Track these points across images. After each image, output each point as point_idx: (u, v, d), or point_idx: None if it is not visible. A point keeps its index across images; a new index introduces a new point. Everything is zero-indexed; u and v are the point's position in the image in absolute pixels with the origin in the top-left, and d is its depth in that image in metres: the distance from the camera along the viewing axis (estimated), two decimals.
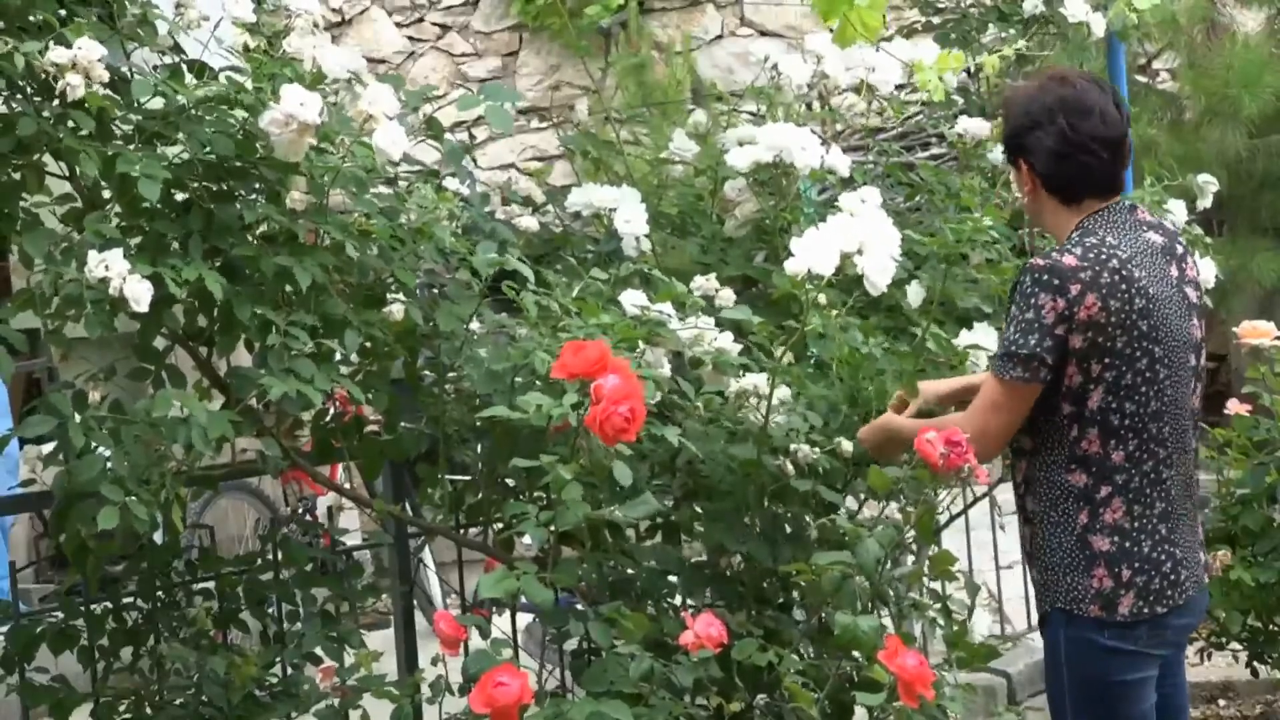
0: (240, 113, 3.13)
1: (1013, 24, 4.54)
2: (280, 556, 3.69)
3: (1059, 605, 3.18)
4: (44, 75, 2.92)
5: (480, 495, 3.64)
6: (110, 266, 2.83)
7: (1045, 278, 3.09)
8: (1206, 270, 4.27)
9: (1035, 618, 3.43)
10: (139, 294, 2.84)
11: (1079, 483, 3.14)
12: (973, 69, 4.44)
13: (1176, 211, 4.44)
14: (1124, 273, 3.11)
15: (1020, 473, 3.25)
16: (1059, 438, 3.15)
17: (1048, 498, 3.18)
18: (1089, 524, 3.14)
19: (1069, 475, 3.15)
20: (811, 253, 3.12)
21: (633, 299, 3.30)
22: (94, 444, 2.95)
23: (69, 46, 2.90)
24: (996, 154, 3.92)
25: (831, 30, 4.57)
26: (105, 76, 2.92)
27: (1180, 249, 3.25)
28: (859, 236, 3.19)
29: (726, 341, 3.33)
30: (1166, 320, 3.15)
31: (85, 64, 2.89)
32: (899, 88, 4.21)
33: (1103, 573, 3.13)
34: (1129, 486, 3.14)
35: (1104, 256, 3.11)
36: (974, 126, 4.03)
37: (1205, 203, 4.58)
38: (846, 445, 3.34)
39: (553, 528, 2.98)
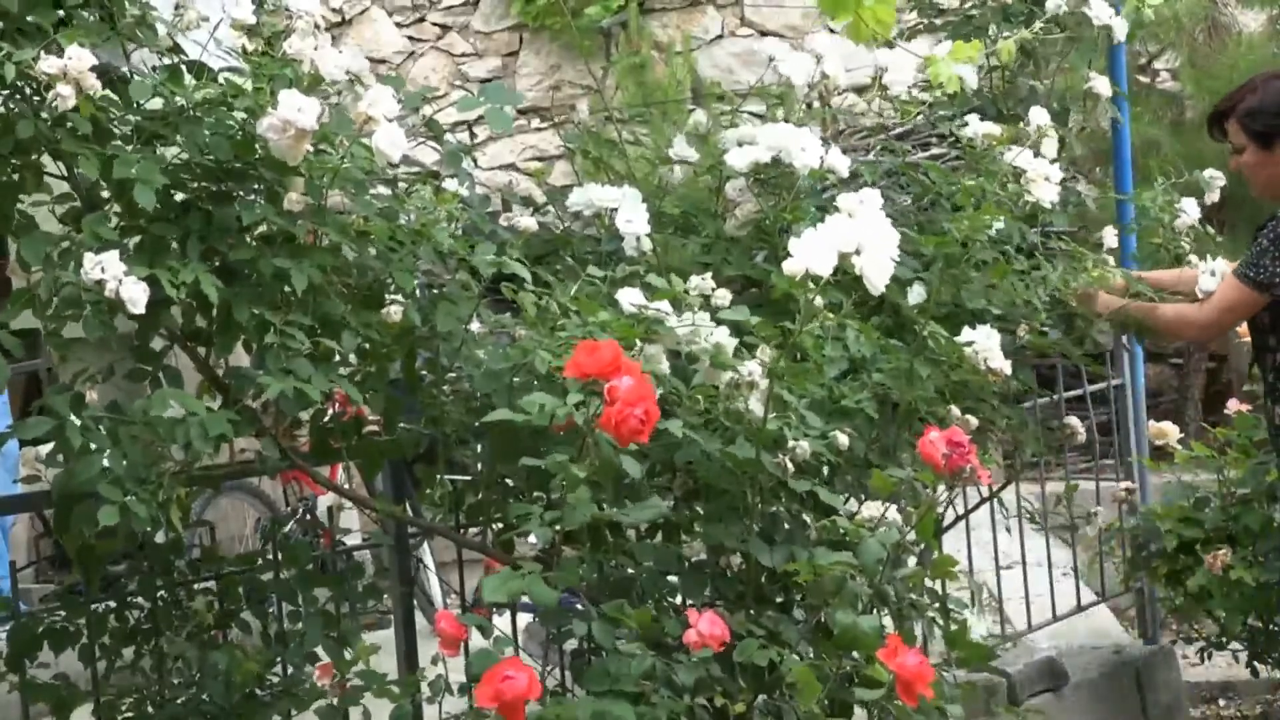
0: (239, 114, 3.12)
1: (1016, 24, 4.54)
2: (281, 556, 3.69)
3: None
4: (36, 83, 2.91)
5: (480, 495, 3.64)
6: (106, 269, 2.82)
7: None
8: (1219, 268, 4.31)
9: (1035, 618, 3.43)
10: (135, 296, 2.83)
11: None
12: (983, 69, 4.42)
13: (1189, 210, 4.46)
14: None
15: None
16: None
17: None
18: None
19: None
20: (810, 253, 3.12)
21: (630, 297, 3.29)
22: (91, 444, 2.94)
23: (61, 54, 2.89)
24: (1009, 156, 3.91)
25: (833, 31, 4.57)
26: (97, 87, 2.90)
27: None
28: (857, 237, 3.19)
29: (723, 336, 3.32)
30: None
31: (76, 74, 2.86)
32: None
33: None
34: None
35: None
36: (985, 129, 4.02)
37: (1213, 197, 4.60)
38: (842, 439, 3.33)
39: (558, 528, 2.98)
